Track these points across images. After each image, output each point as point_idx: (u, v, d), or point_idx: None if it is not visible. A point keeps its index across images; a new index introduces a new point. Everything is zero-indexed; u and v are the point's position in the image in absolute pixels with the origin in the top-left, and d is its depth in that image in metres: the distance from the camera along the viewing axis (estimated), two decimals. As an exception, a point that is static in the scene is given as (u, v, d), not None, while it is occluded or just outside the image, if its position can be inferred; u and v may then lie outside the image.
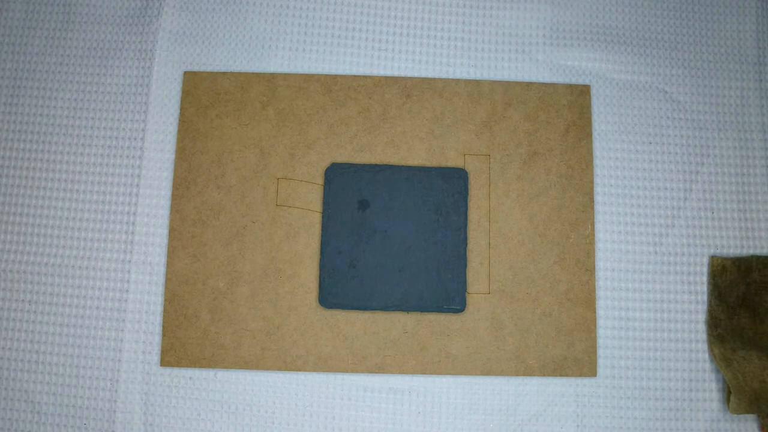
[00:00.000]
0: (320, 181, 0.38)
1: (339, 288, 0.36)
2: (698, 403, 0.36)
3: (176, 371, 0.36)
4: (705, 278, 0.37)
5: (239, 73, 0.39)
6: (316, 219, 0.37)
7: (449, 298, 0.36)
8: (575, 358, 0.36)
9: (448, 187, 0.37)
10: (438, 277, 0.36)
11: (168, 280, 0.36)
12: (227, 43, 0.39)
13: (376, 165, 0.37)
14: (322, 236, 0.37)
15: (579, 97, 0.39)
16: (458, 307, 0.36)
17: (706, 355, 0.36)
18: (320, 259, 0.36)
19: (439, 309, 0.36)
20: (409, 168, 0.37)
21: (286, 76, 0.39)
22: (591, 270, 0.37)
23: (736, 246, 0.38)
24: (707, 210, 0.38)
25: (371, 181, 0.37)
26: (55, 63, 0.39)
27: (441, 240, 0.37)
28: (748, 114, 0.39)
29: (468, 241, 0.37)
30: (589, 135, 0.38)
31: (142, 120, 0.38)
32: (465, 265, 0.36)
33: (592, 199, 0.38)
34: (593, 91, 0.39)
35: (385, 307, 0.36)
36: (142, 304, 0.37)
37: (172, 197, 0.37)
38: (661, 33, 0.40)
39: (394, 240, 0.37)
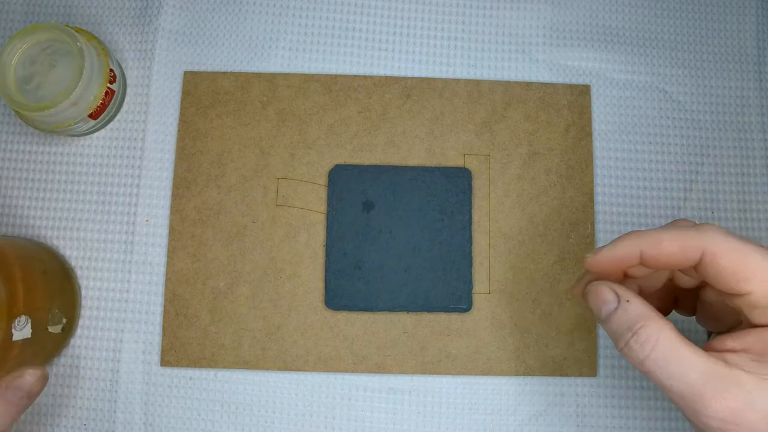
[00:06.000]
0: (321, 181, 0.38)
1: (345, 290, 0.36)
2: (698, 403, 0.36)
3: (176, 371, 0.36)
4: (705, 278, 0.37)
5: (239, 73, 0.39)
6: (316, 219, 0.37)
7: (455, 297, 0.36)
8: (575, 358, 0.36)
9: (452, 187, 0.37)
10: (444, 276, 0.36)
11: (168, 280, 0.36)
12: (227, 43, 0.39)
13: (380, 166, 0.37)
14: (326, 238, 0.37)
15: (579, 97, 0.39)
16: (464, 307, 0.36)
17: (706, 355, 0.36)
18: (325, 261, 0.36)
19: (445, 309, 0.36)
20: (413, 168, 0.37)
21: (286, 76, 0.39)
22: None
23: (736, 246, 0.38)
24: (707, 210, 0.38)
25: (375, 181, 0.37)
26: (55, 63, 0.39)
27: (446, 239, 0.37)
28: (748, 114, 0.39)
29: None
30: (589, 135, 0.38)
31: (142, 120, 0.38)
32: (471, 265, 0.36)
33: (592, 199, 0.38)
34: (593, 91, 0.39)
35: (392, 308, 0.36)
36: (142, 304, 0.37)
37: (172, 197, 0.37)
38: (661, 33, 0.40)
39: (400, 240, 0.37)
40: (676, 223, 0.25)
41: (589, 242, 0.37)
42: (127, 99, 0.39)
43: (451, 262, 0.37)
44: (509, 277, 0.37)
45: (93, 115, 0.35)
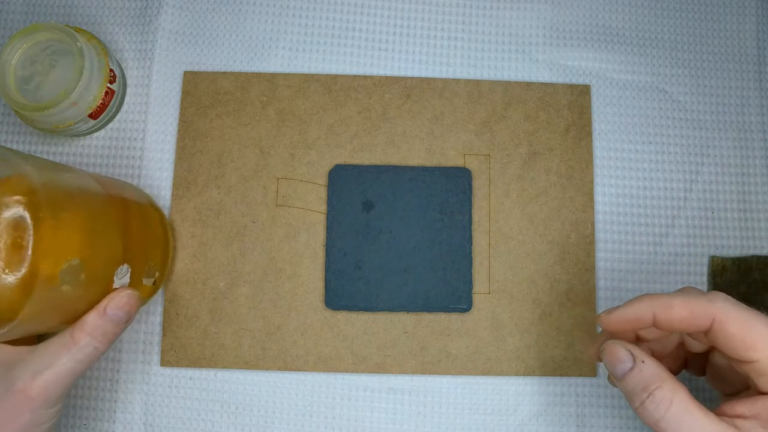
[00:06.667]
0: (321, 181, 0.38)
1: (345, 290, 0.36)
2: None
3: (176, 371, 0.36)
4: (705, 278, 0.37)
5: (239, 73, 0.39)
6: (316, 219, 0.37)
7: (455, 297, 0.36)
8: (575, 358, 0.36)
9: (452, 187, 0.37)
10: (444, 276, 0.36)
11: (168, 280, 0.36)
12: (227, 43, 0.39)
13: (380, 166, 0.37)
14: (326, 238, 0.37)
15: (579, 97, 0.39)
16: (464, 307, 0.36)
17: (706, 355, 0.36)
18: (325, 261, 0.36)
19: (445, 309, 0.36)
20: (413, 168, 0.37)
21: (286, 76, 0.39)
22: (591, 270, 0.37)
23: (736, 246, 0.38)
24: (707, 210, 0.38)
25: (375, 181, 0.37)
26: (55, 63, 0.39)
27: (446, 239, 0.37)
28: (748, 114, 0.39)
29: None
30: (589, 135, 0.38)
31: (142, 120, 0.38)
32: (470, 265, 0.36)
33: (592, 199, 0.38)
34: (593, 91, 0.39)
35: (392, 308, 0.36)
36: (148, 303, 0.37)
37: (172, 197, 0.37)
38: (661, 33, 0.40)
39: (400, 240, 0.37)
40: (685, 290, 0.26)
41: (589, 242, 0.37)
42: (127, 99, 0.39)
43: (451, 262, 0.37)
44: (509, 277, 0.37)
45: (93, 115, 0.35)
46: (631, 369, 0.25)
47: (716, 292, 0.25)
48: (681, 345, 0.29)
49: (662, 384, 0.24)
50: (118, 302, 0.27)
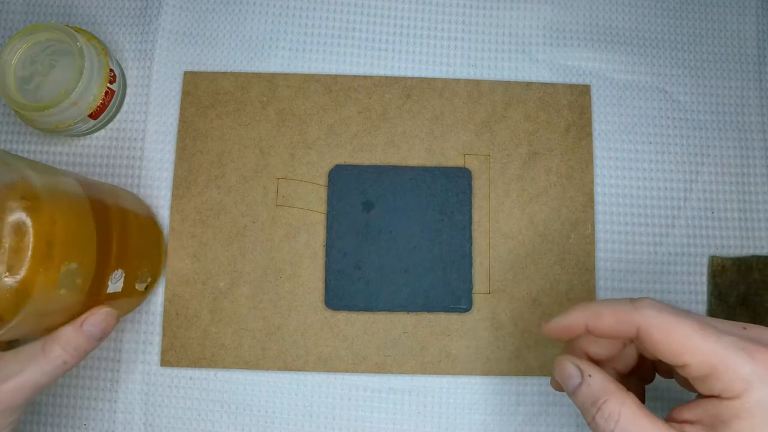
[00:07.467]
0: (321, 181, 0.38)
1: (345, 290, 0.36)
2: (698, 403, 0.36)
3: (176, 371, 0.36)
4: (705, 278, 0.37)
5: (239, 73, 0.39)
6: (316, 219, 0.37)
7: (455, 297, 0.36)
8: (575, 358, 0.36)
9: (452, 187, 0.37)
10: (444, 276, 0.36)
11: (168, 280, 0.36)
12: (227, 43, 0.39)
13: (380, 166, 0.37)
14: (326, 238, 0.37)
15: (579, 97, 0.39)
16: (464, 307, 0.36)
17: (706, 355, 0.36)
18: (325, 261, 0.36)
19: (445, 309, 0.36)
20: (413, 168, 0.37)
21: (286, 76, 0.39)
22: (591, 270, 0.37)
23: (736, 246, 0.38)
24: (707, 210, 0.38)
25: (375, 182, 0.37)
26: (55, 63, 0.39)
27: (446, 240, 0.37)
28: (748, 114, 0.39)
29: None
30: (589, 135, 0.38)
31: (143, 120, 0.38)
32: (470, 265, 0.36)
33: (592, 199, 0.38)
34: (593, 91, 0.39)
35: (392, 308, 0.36)
36: (142, 304, 0.36)
37: (172, 197, 0.37)
38: (661, 33, 0.40)
39: (400, 240, 0.37)
40: (618, 300, 0.26)
41: (589, 242, 0.37)
42: (127, 99, 0.39)
43: (451, 262, 0.37)
44: (509, 277, 0.37)
45: (93, 115, 0.35)
46: (580, 384, 0.25)
47: (644, 299, 0.25)
48: (642, 356, 0.29)
49: (610, 397, 0.24)
50: (95, 319, 0.28)
